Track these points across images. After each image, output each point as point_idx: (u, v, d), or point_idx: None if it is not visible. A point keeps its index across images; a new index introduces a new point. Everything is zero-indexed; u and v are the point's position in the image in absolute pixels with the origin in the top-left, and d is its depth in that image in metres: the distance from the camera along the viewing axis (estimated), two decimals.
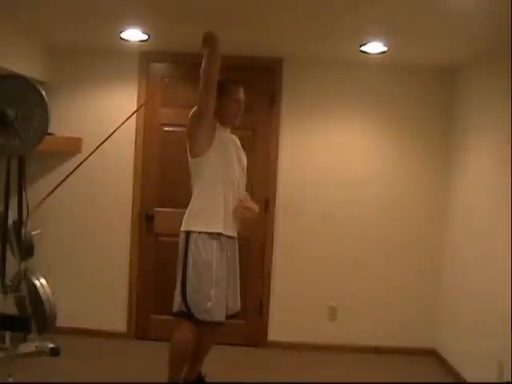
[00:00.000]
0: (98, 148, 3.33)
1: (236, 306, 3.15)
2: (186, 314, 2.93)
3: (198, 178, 3.01)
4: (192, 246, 2.93)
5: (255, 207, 3.17)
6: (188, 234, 2.96)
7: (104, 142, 3.33)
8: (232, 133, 3.18)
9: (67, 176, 3.39)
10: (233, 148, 3.09)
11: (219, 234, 2.97)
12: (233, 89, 3.08)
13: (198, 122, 2.93)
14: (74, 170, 3.38)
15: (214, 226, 2.95)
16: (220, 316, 2.98)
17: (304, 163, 4.42)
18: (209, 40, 2.84)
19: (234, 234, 3.09)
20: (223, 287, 2.99)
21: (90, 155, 3.35)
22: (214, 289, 2.92)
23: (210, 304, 2.91)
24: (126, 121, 3.42)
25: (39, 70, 4.16)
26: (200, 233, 2.94)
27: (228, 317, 3.06)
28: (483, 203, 3.74)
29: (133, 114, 3.63)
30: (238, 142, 3.22)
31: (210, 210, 2.97)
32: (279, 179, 4.41)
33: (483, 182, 3.77)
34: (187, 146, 3.03)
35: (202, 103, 2.90)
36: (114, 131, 3.34)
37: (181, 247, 2.99)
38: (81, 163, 3.39)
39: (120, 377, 3.55)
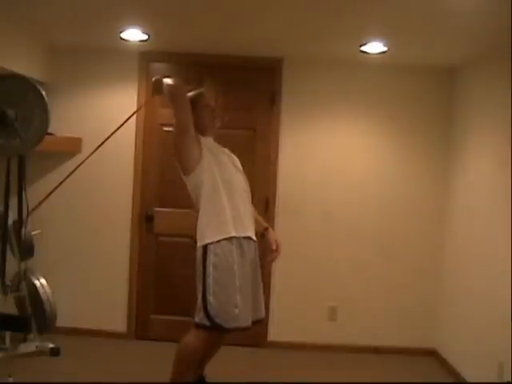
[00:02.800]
0: (96, 150, 3.32)
1: (260, 312, 3.09)
2: (209, 327, 2.88)
3: (200, 190, 2.97)
4: (211, 256, 2.88)
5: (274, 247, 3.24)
6: (205, 247, 2.91)
7: (102, 144, 3.32)
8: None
9: (66, 177, 3.38)
10: (221, 153, 3.10)
11: (235, 238, 2.93)
12: (198, 97, 3.12)
13: (183, 140, 2.94)
14: (73, 172, 3.37)
15: (226, 232, 2.91)
16: (246, 321, 2.93)
17: (304, 163, 4.42)
18: (160, 89, 2.94)
19: (250, 234, 3.03)
20: (247, 293, 2.94)
21: (88, 157, 3.34)
22: (238, 295, 2.88)
23: (236, 311, 2.86)
24: (120, 126, 3.40)
25: (39, 70, 4.16)
26: (218, 241, 2.89)
27: (253, 322, 3.00)
28: (483, 203, 3.74)
29: (125, 121, 3.57)
30: (227, 150, 3.21)
31: (219, 217, 2.93)
32: (279, 179, 4.41)
33: (483, 183, 3.77)
34: (179, 166, 3.01)
35: (180, 125, 2.95)
36: (112, 134, 3.33)
37: (198, 261, 2.93)
38: (79, 165, 3.38)
39: (120, 377, 3.56)
